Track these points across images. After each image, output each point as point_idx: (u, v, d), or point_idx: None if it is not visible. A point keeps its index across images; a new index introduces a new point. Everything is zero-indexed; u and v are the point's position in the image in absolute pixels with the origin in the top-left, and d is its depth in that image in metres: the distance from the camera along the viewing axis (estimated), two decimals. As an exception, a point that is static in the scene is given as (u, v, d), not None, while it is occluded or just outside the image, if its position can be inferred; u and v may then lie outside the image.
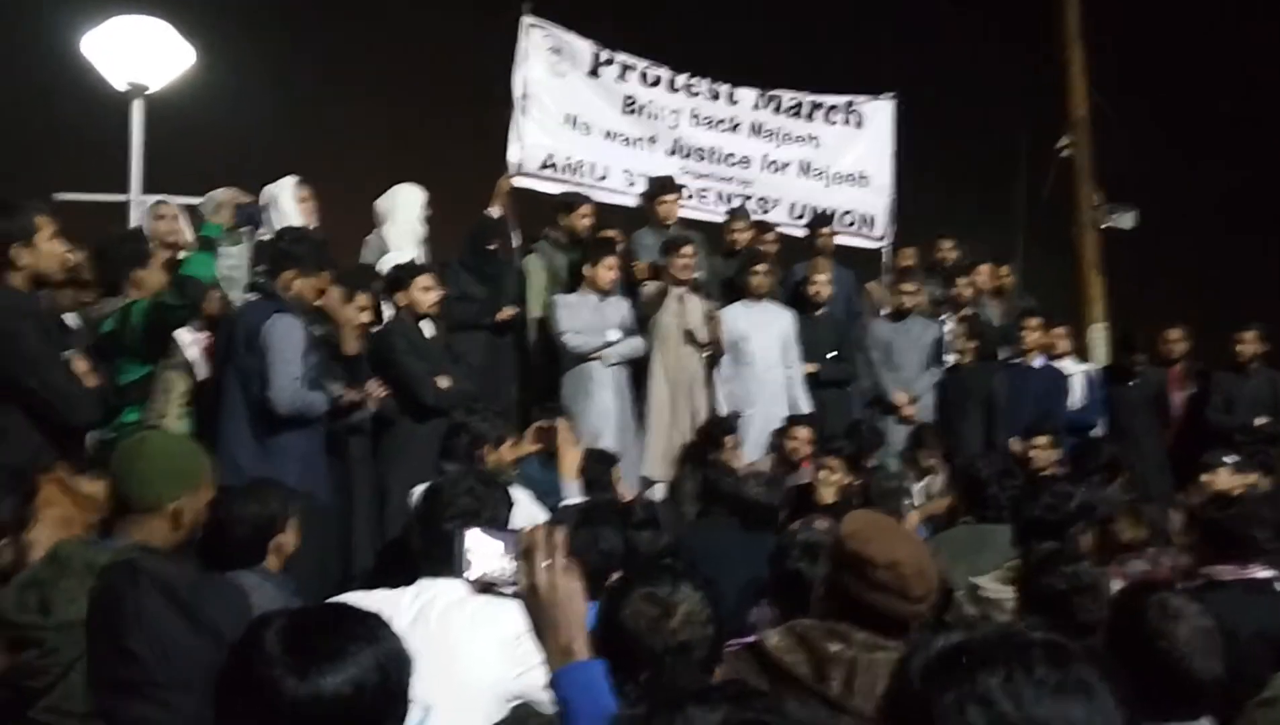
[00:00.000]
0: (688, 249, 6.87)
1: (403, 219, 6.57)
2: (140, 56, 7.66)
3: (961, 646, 1.07)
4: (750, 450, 6.73)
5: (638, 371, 6.77)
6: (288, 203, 5.91)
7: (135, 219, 7.09)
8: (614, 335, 6.50)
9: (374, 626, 1.46)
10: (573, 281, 6.77)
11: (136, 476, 2.62)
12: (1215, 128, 12.47)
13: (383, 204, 6.68)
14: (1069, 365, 7.68)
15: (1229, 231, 12.84)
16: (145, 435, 2.74)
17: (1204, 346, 8.21)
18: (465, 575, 1.71)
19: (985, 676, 1.03)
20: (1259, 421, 7.34)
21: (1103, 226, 10.02)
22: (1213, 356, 7.98)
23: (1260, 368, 7.51)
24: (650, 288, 6.87)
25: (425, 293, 5.79)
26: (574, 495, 4.57)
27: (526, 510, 4.06)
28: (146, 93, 7.71)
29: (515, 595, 1.71)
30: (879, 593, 2.14)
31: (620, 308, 6.67)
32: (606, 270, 6.56)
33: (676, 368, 6.75)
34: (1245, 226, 12.74)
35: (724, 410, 6.75)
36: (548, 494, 4.62)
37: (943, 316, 7.69)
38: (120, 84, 7.72)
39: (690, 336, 6.78)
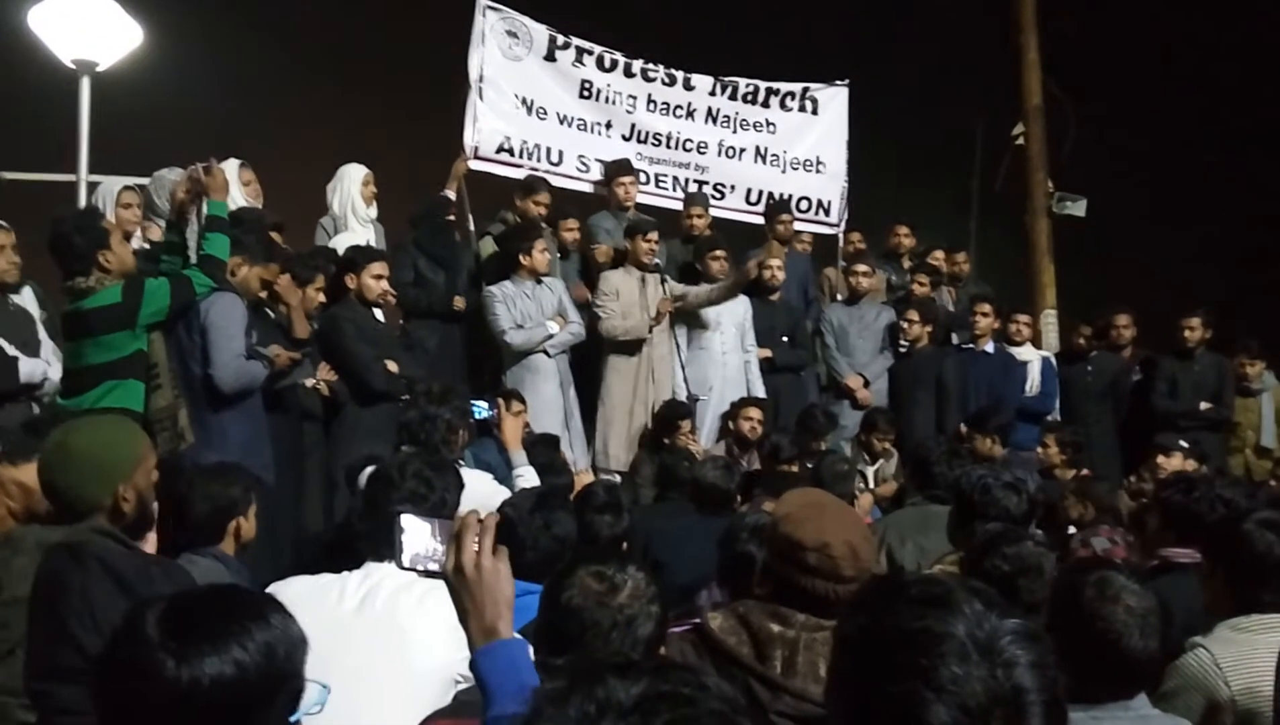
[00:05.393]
0: (653, 234, 6.91)
1: (343, 192, 6.58)
2: (88, 33, 7.50)
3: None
4: (707, 434, 6.79)
5: (590, 358, 6.77)
6: (232, 186, 5.83)
7: (84, 198, 6.96)
8: (553, 327, 6.47)
9: (261, 606, 1.44)
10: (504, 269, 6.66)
11: (69, 487, 2.58)
12: (1164, 116, 12.65)
13: (330, 186, 6.69)
14: (1027, 352, 7.77)
15: (1178, 219, 13.05)
16: (64, 439, 2.66)
17: (1152, 333, 8.35)
18: (399, 559, 1.72)
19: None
20: (1203, 407, 7.49)
21: (1054, 214, 10.13)
22: (1160, 343, 8.11)
23: (1205, 353, 7.65)
24: (619, 278, 6.84)
25: (376, 281, 5.75)
26: (523, 464, 4.58)
27: (487, 491, 4.06)
28: (95, 70, 7.56)
29: (440, 575, 1.72)
30: (810, 576, 2.15)
31: (556, 289, 6.64)
32: (541, 253, 6.52)
33: (637, 353, 6.76)
34: (1194, 215, 12.95)
35: (684, 394, 6.78)
36: (504, 479, 4.64)
37: (898, 300, 7.77)
38: (68, 60, 7.56)
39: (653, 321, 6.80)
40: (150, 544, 2.83)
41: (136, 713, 1.36)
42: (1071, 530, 4.51)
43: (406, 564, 1.73)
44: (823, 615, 2.14)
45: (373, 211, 6.72)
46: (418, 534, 1.73)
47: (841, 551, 2.15)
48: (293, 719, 1.43)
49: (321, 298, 5.64)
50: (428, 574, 1.72)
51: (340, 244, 6.29)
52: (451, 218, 6.86)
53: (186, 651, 1.35)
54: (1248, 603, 2.77)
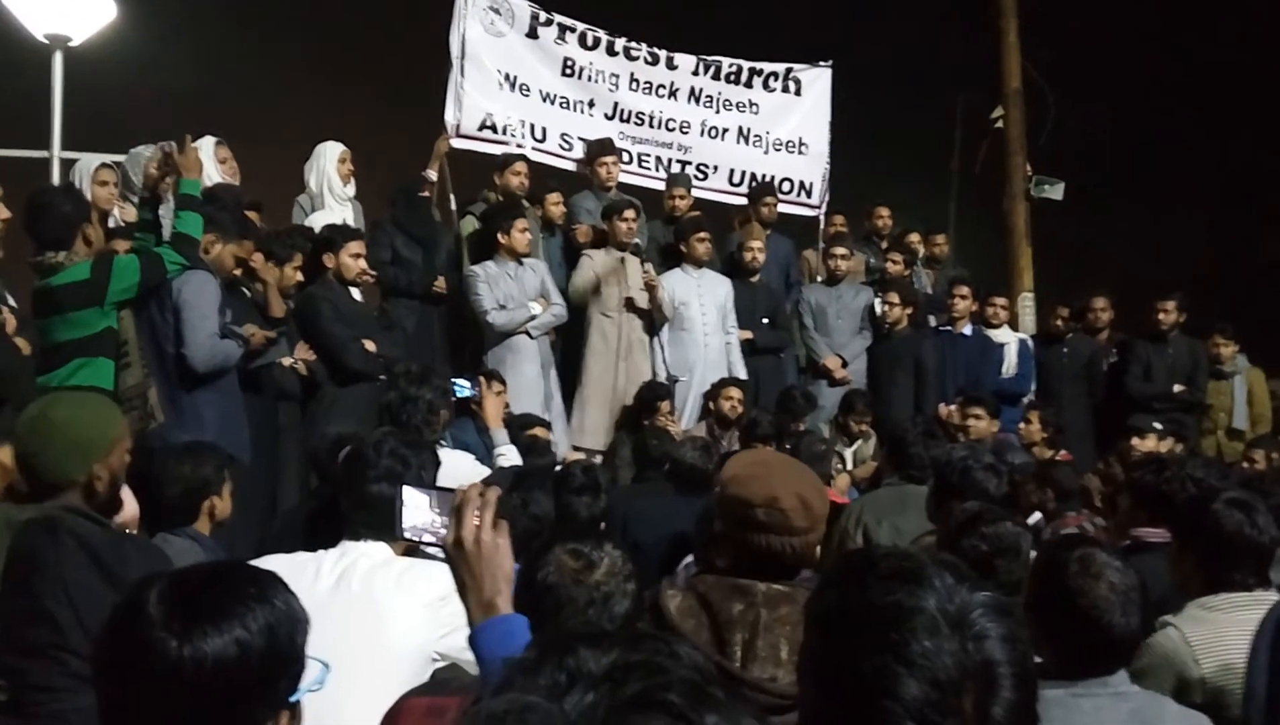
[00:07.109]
0: (630, 212, 6.89)
1: (320, 170, 6.56)
2: (61, 7, 7.40)
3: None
4: (689, 416, 6.80)
5: (566, 339, 6.76)
6: (207, 163, 5.79)
7: (57, 174, 6.88)
8: (536, 308, 6.46)
9: (264, 585, 1.42)
10: (487, 247, 6.65)
11: (43, 459, 2.55)
12: (1141, 100, 12.71)
13: (307, 164, 6.66)
14: (1004, 334, 7.82)
15: (1155, 202, 13.13)
16: (43, 413, 2.64)
17: (1129, 316, 8.41)
18: (399, 528, 1.74)
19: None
20: (1177, 389, 7.56)
21: (1032, 197, 10.16)
22: (1136, 326, 8.17)
23: (1179, 337, 7.72)
24: (600, 257, 6.84)
25: (354, 260, 5.71)
26: (504, 442, 4.58)
27: (467, 471, 4.05)
28: (68, 45, 7.46)
29: (440, 547, 1.73)
30: (761, 533, 2.13)
31: (539, 270, 6.62)
32: (521, 233, 6.50)
33: (616, 333, 6.76)
34: (1171, 199, 13.03)
35: (663, 375, 6.79)
36: (483, 460, 4.64)
37: (875, 281, 7.79)
38: (40, 35, 7.46)
39: (630, 302, 6.80)
40: (133, 518, 2.82)
41: (137, 692, 1.34)
42: (1037, 516, 4.55)
43: (406, 534, 1.75)
44: (781, 575, 2.13)
45: (350, 189, 6.68)
46: (417, 505, 1.75)
47: (791, 503, 2.13)
48: (292, 699, 1.42)
49: (299, 276, 5.61)
50: (427, 548, 1.74)
51: (317, 222, 6.25)
52: (426, 194, 6.81)
53: (189, 631, 1.33)
54: (1217, 582, 2.80)
